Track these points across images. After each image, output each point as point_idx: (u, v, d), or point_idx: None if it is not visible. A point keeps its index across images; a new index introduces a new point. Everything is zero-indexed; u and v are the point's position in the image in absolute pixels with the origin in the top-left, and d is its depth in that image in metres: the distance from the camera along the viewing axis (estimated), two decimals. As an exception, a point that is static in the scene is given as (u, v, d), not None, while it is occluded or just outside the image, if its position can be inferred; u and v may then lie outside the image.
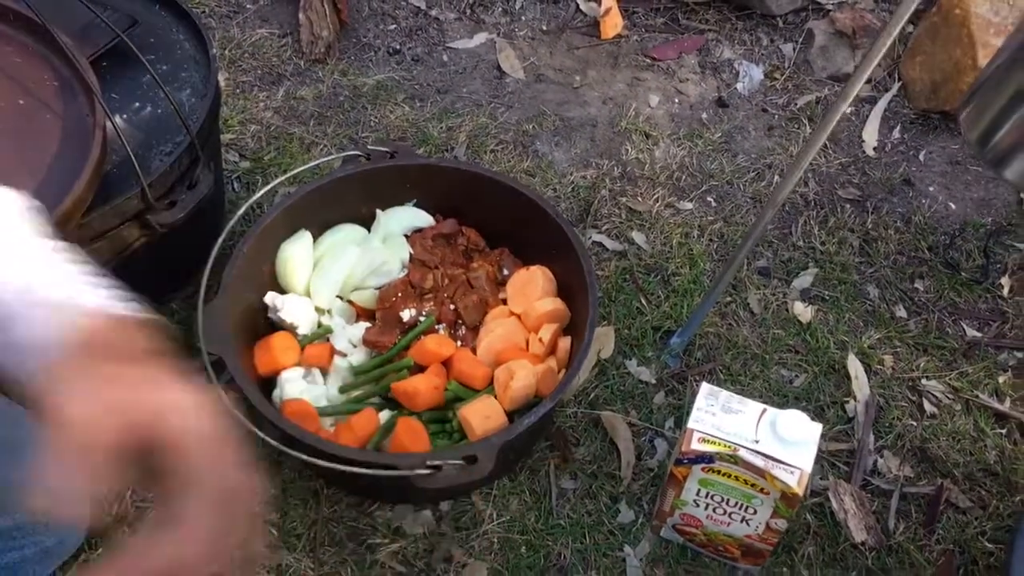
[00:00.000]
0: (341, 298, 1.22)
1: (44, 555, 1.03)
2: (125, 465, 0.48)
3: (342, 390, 1.15)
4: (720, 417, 0.99)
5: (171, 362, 0.52)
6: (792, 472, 0.96)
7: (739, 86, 1.61)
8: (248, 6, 1.72)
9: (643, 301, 1.33)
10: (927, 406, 1.25)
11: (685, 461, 1.00)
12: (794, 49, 1.64)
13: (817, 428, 0.99)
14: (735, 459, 0.97)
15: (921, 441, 1.22)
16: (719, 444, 0.98)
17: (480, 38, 1.69)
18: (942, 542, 1.14)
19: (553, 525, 1.14)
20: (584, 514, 1.15)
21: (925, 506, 1.17)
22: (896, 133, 1.56)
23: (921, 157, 1.53)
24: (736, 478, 1.00)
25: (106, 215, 1.12)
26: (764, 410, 1.00)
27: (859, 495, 1.17)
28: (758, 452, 0.97)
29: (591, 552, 1.12)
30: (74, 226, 1.08)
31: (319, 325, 1.19)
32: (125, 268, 1.18)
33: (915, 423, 1.24)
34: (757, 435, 0.98)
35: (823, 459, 1.20)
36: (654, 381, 1.26)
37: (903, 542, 1.14)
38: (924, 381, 1.27)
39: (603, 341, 1.28)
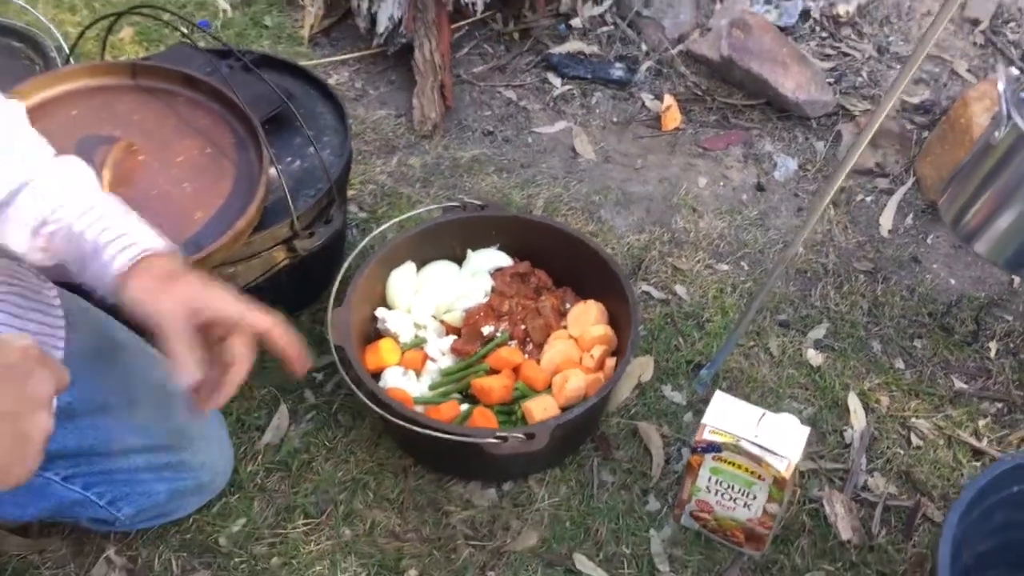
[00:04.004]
0: (435, 317, 1.53)
1: (199, 489, 1.33)
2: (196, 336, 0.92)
3: (432, 387, 1.44)
4: (728, 416, 1.26)
5: (200, 273, 0.97)
6: (782, 460, 1.22)
7: (776, 174, 1.91)
8: (371, 92, 2.10)
9: (680, 340, 1.61)
10: (914, 439, 1.49)
11: (699, 449, 1.27)
12: (825, 146, 1.94)
13: (805, 430, 1.25)
14: (737, 448, 1.24)
15: (907, 467, 1.46)
16: (725, 436, 1.24)
17: (560, 125, 2.03)
18: (917, 547, 1.37)
19: (593, 508, 1.40)
20: (619, 502, 1.41)
21: (905, 517, 1.40)
22: (909, 220, 1.83)
23: (929, 240, 1.80)
24: (739, 466, 1.26)
25: (264, 238, 1.45)
26: (764, 413, 1.26)
27: (849, 503, 1.41)
28: (755, 444, 1.23)
29: (623, 532, 1.38)
30: (242, 244, 1.42)
31: (416, 336, 1.50)
32: (272, 282, 1.51)
33: (902, 451, 1.48)
34: (756, 431, 1.24)
35: (822, 474, 1.45)
36: (684, 403, 1.53)
37: (883, 544, 1.37)
38: (914, 420, 1.52)
39: (644, 368, 1.56)
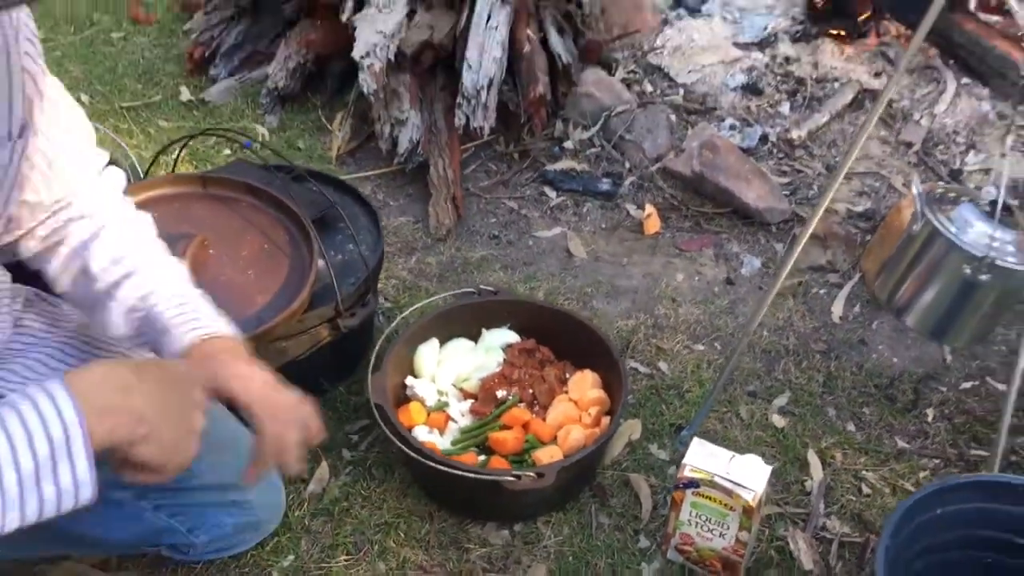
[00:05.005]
0: (455, 385, 1.79)
1: (257, 525, 1.56)
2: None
3: (453, 443, 1.70)
4: (704, 458, 1.52)
5: (243, 356, 1.18)
6: (749, 492, 1.47)
7: (743, 271, 2.22)
8: (392, 203, 2.42)
9: (664, 407, 1.88)
10: (864, 488, 1.75)
11: (681, 486, 1.52)
12: (783, 247, 2.26)
13: (768, 468, 1.51)
14: (712, 484, 1.49)
15: (858, 510, 1.71)
16: (702, 473, 1.50)
17: (556, 230, 2.34)
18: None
19: (592, 545, 1.64)
20: (614, 540, 1.65)
21: (858, 551, 1.64)
22: (856, 308, 2.13)
23: (873, 326, 2.09)
24: (714, 500, 1.51)
25: (312, 318, 1.73)
26: (733, 455, 1.52)
27: (810, 540, 1.65)
28: (727, 479, 1.49)
29: (618, 565, 1.61)
30: (295, 321, 1.69)
31: (439, 400, 1.76)
32: (317, 355, 1.78)
33: (855, 498, 1.73)
34: (728, 469, 1.50)
35: (787, 517, 1.70)
36: (668, 459, 1.78)
37: (840, 573, 1.61)
38: (864, 472, 1.77)
39: (634, 429, 1.82)
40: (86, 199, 1.25)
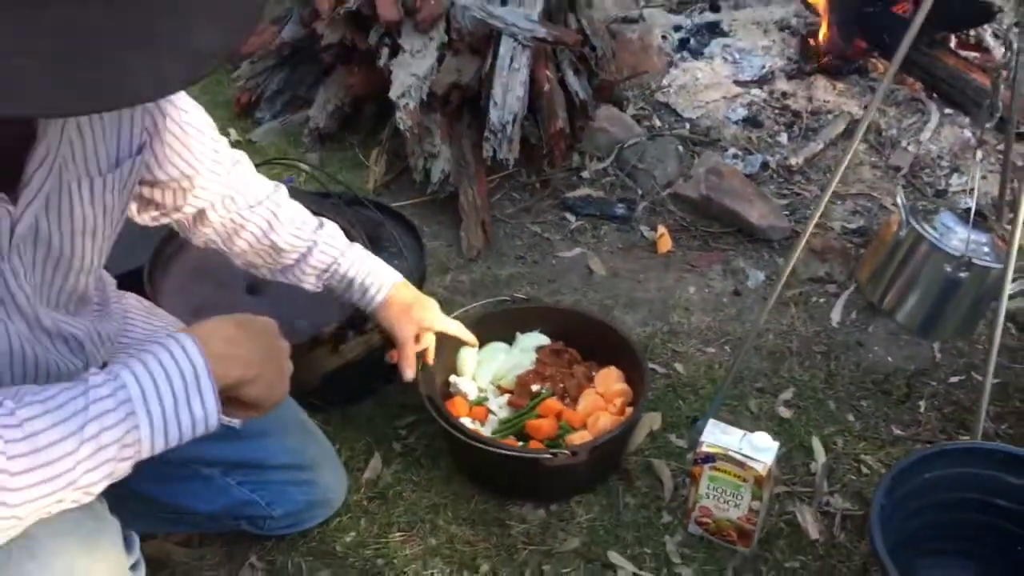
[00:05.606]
0: (492, 383, 2.00)
1: (325, 503, 1.76)
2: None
3: (494, 432, 1.90)
4: (719, 435, 1.72)
5: (423, 299, 1.74)
6: (760, 464, 1.67)
7: (748, 283, 2.43)
8: (426, 228, 2.64)
9: (680, 402, 2.08)
10: (863, 469, 1.94)
11: (699, 461, 1.72)
12: (784, 262, 2.47)
13: (776, 443, 1.71)
14: (727, 458, 1.69)
15: (858, 488, 1.90)
16: (718, 449, 1.70)
17: (576, 251, 2.56)
18: (868, 545, 1.79)
19: (621, 521, 1.83)
20: (640, 516, 1.84)
21: (860, 523, 1.83)
22: (853, 315, 2.34)
23: (869, 329, 2.30)
24: (729, 473, 1.70)
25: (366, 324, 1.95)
26: (744, 433, 1.72)
27: (816, 514, 1.84)
28: (740, 453, 1.69)
29: (644, 538, 1.81)
30: (350, 328, 1.91)
31: (479, 396, 1.96)
32: (370, 357, 1.99)
33: (855, 478, 1.92)
34: (740, 444, 1.70)
35: (795, 495, 1.89)
36: (686, 447, 1.98)
37: (843, 542, 1.80)
38: (863, 456, 1.97)
39: (654, 421, 2.02)
40: (246, 191, 1.55)
